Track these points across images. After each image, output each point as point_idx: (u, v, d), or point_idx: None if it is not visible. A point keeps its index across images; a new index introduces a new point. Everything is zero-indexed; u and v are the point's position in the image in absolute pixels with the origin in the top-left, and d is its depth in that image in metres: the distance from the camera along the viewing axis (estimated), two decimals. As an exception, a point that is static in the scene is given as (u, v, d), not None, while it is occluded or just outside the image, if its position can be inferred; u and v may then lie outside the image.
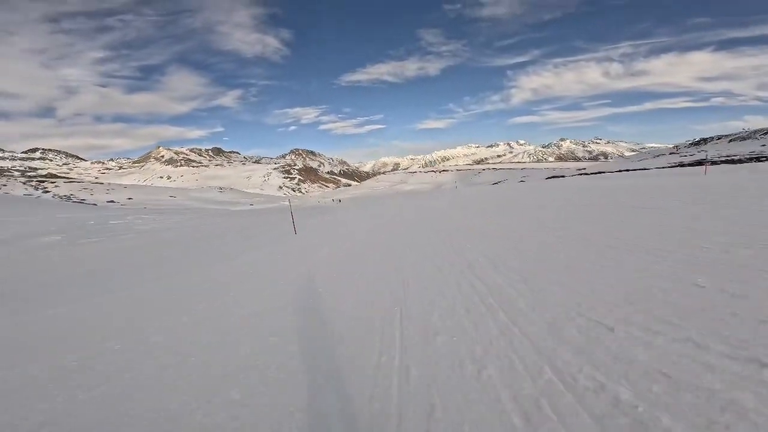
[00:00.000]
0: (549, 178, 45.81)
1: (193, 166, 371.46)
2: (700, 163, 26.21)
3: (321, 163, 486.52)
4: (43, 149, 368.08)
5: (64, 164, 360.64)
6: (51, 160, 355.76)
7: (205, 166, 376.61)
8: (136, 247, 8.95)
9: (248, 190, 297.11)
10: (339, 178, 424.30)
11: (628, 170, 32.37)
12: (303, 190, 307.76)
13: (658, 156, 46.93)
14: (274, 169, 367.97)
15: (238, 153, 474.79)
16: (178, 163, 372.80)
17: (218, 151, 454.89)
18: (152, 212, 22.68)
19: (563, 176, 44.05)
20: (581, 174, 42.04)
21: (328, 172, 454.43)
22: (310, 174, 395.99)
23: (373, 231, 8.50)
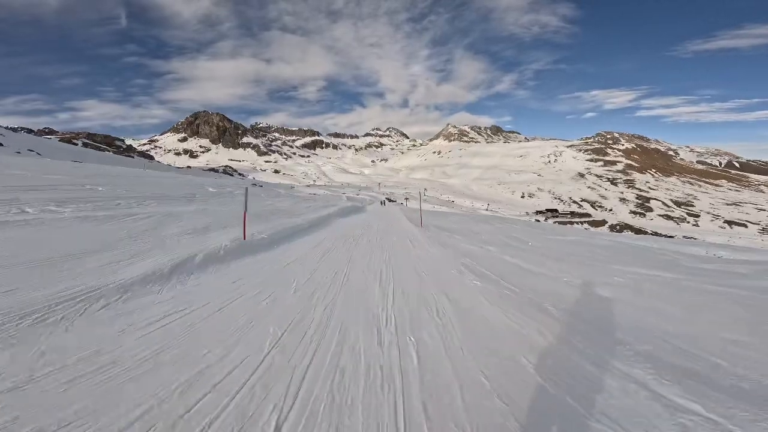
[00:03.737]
0: None
1: (464, 141, 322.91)
2: None
3: (670, 148, 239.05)
4: (389, 128, 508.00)
5: (396, 141, 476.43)
6: (389, 137, 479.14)
7: (477, 142, 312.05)
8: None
9: (514, 175, 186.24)
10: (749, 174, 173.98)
11: None
12: (642, 185, 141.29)
13: None
14: (569, 146, 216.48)
15: (518, 133, 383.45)
16: (453, 137, 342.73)
17: (497, 130, 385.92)
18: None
19: None
20: None
21: (698, 162, 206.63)
22: (652, 159, 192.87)
23: None
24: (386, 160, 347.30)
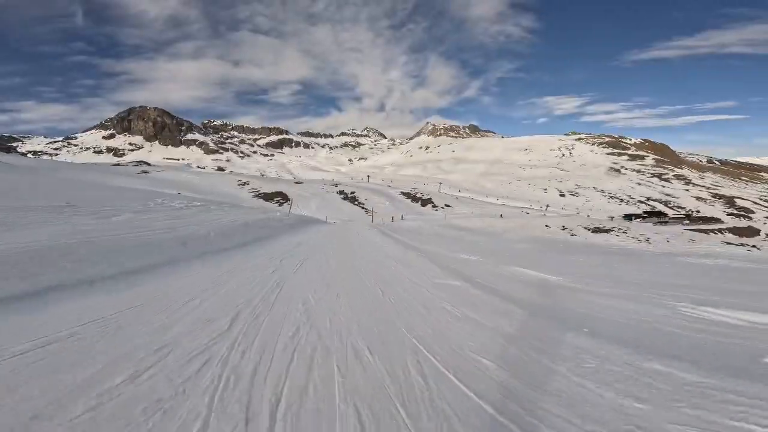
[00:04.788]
0: None
1: (451, 136, 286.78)
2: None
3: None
4: (366, 128, 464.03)
5: (374, 141, 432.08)
6: (367, 137, 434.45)
7: (463, 137, 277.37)
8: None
9: (530, 170, 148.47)
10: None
11: None
12: (699, 181, 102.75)
13: None
14: (577, 140, 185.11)
15: (494, 132, 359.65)
16: (439, 133, 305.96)
17: (474, 129, 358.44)
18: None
19: None
20: None
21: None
22: (666, 155, 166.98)
23: None
24: (365, 158, 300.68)
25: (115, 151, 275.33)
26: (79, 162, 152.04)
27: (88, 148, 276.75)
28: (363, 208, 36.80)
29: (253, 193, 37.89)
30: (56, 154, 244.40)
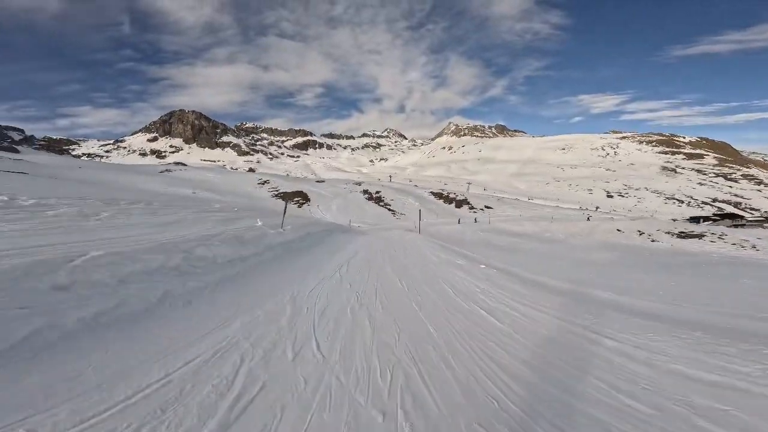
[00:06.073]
0: None
1: (476, 136, 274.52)
2: None
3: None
4: (387, 129, 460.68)
5: (395, 142, 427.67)
6: (387, 137, 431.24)
7: (489, 137, 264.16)
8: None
9: (569, 170, 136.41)
10: None
11: None
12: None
13: None
14: (623, 138, 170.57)
15: (523, 132, 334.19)
16: (462, 133, 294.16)
17: (502, 129, 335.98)
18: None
19: None
20: None
21: None
22: (728, 153, 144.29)
23: None
24: (386, 159, 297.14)
25: (158, 153, 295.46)
26: (127, 163, 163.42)
27: (134, 151, 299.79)
28: (390, 209, 32.68)
29: (272, 193, 35.36)
30: (107, 156, 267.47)
